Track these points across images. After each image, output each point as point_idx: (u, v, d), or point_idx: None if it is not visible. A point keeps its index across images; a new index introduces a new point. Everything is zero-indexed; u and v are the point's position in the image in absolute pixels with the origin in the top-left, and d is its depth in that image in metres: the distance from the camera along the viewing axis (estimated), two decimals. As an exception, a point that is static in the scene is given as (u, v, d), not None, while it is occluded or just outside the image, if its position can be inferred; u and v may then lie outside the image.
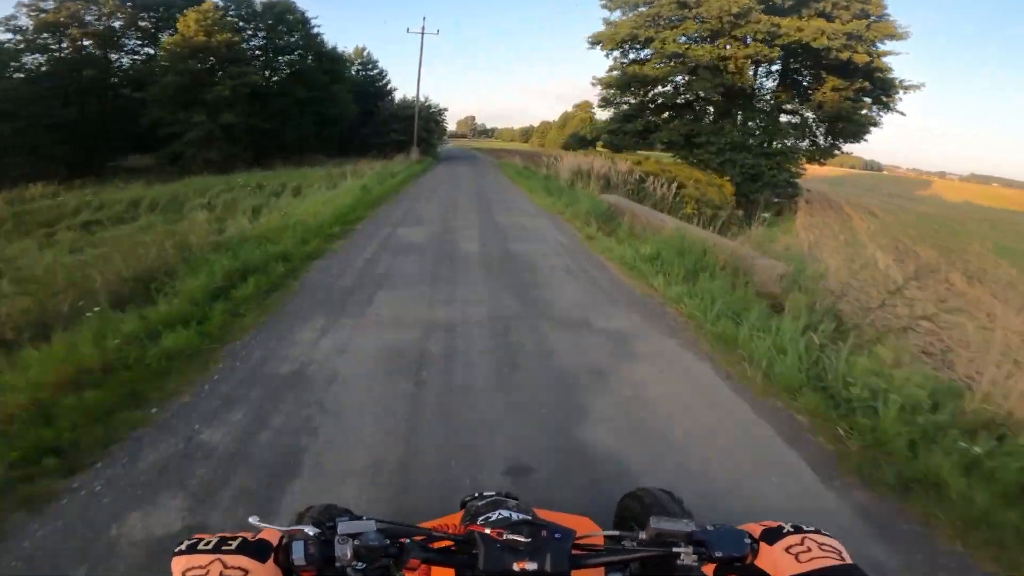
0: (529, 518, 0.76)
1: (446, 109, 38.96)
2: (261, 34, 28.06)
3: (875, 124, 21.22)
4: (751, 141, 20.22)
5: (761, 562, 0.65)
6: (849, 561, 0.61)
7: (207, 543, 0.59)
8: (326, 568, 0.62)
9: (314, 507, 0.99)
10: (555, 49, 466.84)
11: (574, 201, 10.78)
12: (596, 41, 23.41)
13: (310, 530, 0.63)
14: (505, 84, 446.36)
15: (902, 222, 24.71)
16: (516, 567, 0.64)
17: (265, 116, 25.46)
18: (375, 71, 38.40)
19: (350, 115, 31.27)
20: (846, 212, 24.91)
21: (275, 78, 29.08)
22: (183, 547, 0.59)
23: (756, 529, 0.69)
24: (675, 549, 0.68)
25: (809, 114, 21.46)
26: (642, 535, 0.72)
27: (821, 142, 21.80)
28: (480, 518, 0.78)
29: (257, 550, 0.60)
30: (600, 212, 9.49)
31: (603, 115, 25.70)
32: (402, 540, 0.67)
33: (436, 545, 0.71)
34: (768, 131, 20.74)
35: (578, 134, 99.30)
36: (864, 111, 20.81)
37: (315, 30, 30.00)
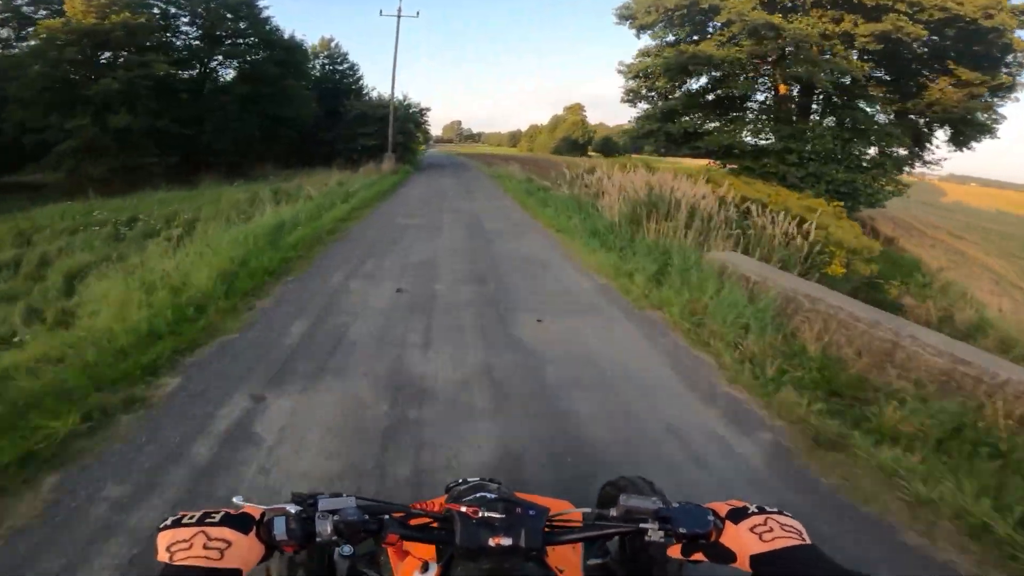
0: (503, 497, 0.77)
1: (428, 109, 33.22)
2: (199, 21, 22.11)
3: (997, 125, 15.92)
4: (854, 150, 14.75)
5: (726, 540, 0.66)
6: (809, 541, 0.63)
7: (191, 517, 0.60)
8: (307, 543, 0.63)
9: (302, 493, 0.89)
10: (543, 54, 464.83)
11: (669, 269, 5.32)
12: (626, 15, 17.81)
13: (291, 507, 0.64)
14: (492, 89, 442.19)
15: (1004, 249, 19.46)
16: (492, 542, 0.67)
17: (187, 118, 19.40)
18: (344, 65, 32.49)
19: (308, 116, 25.36)
20: (939, 238, 19.40)
21: (214, 72, 23.07)
22: (168, 522, 0.60)
23: (723, 508, 0.70)
24: (642, 525, 0.69)
25: (913, 116, 16.04)
26: (613, 512, 0.73)
27: (933, 149, 16.46)
28: (465, 500, 0.80)
29: (240, 523, 0.61)
30: (761, 320, 3.87)
31: (632, 112, 19.84)
32: (382, 517, 0.68)
33: (415, 522, 0.73)
34: (865, 136, 15.31)
35: (570, 138, 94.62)
36: (986, 112, 15.45)
37: (264, 14, 24.00)
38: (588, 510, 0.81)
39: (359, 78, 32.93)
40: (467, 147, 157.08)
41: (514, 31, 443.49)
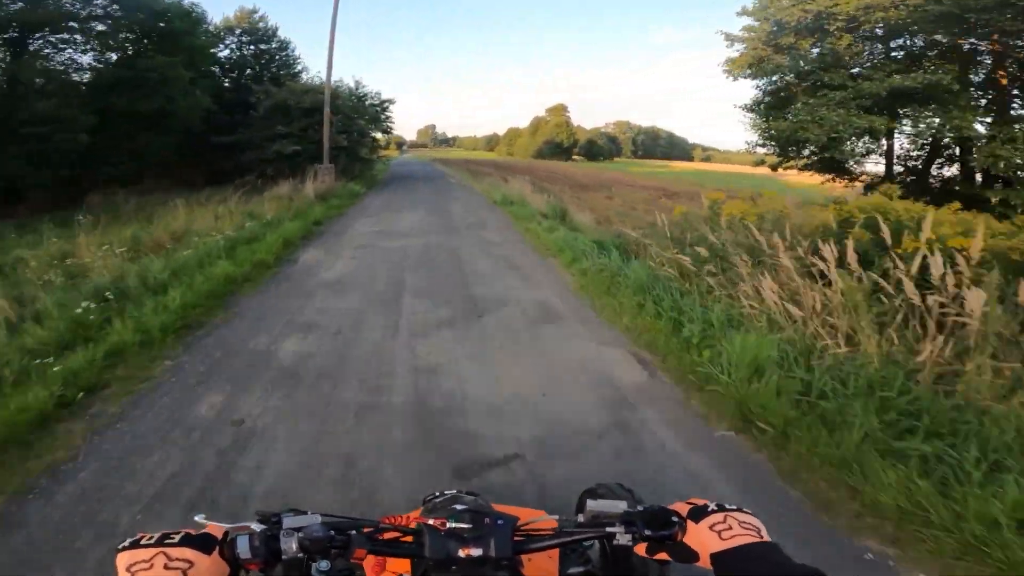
0: (472, 508, 0.76)
1: (391, 101, 24.55)
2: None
3: None
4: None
5: (689, 539, 0.67)
6: (768, 539, 0.63)
7: (150, 538, 0.59)
8: (273, 561, 0.62)
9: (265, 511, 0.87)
10: (518, 58, 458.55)
11: None
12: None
13: (256, 526, 0.63)
14: (466, 93, 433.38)
15: None
16: (462, 553, 0.66)
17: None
18: (272, 44, 23.44)
19: (194, 114, 16.40)
20: None
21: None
22: (126, 543, 0.59)
23: (684, 508, 0.70)
24: (609, 529, 0.70)
25: None
26: (581, 518, 0.74)
27: None
28: (432, 513, 0.80)
29: (201, 543, 0.60)
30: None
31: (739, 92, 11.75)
32: (349, 532, 0.66)
33: (385, 536, 0.72)
34: None
35: (553, 141, 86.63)
36: None
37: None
38: (561, 518, 0.78)
39: (293, 62, 23.95)
40: (441, 151, 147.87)
41: (486, 33, 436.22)
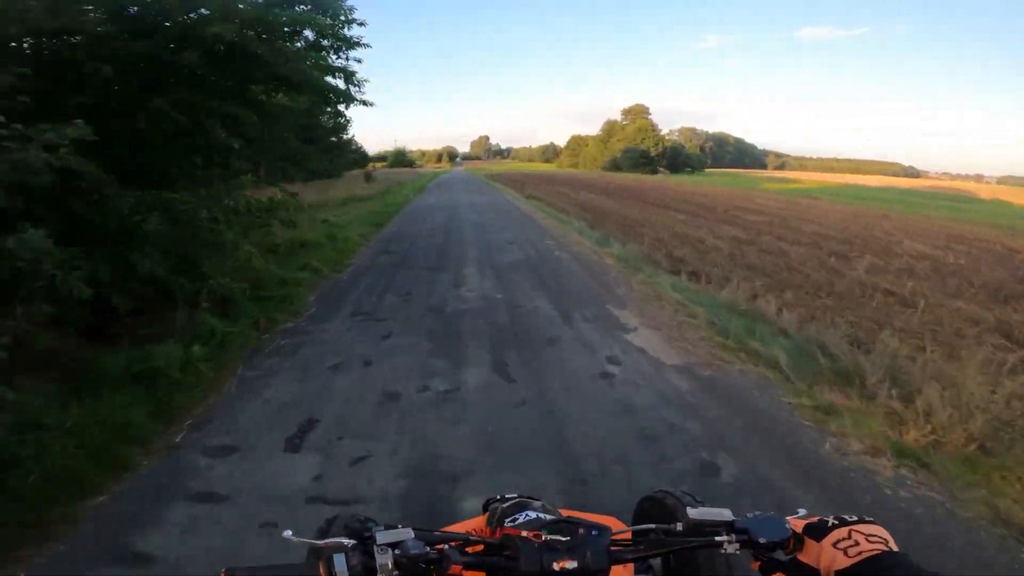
0: (564, 518, 0.76)
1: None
2: None
3: None
4: None
5: (806, 557, 0.63)
6: (895, 548, 0.59)
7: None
8: None
9: (340, 516, 0.86)
10: (568, 68, 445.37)
11: None
12: None
13: (348, 542, 0.61)
14: (516, 103, 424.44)
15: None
16: (556, 567, 0.64)
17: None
18: None
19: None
20: None
21: None
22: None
23: (798, 523, 0.67)
24: (718, 538, 0.66)
25: None
26: (678, 527, 0.71)
27: None
28: (507, 520, 0.83)
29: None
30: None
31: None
32: (442, 547, 0.65)
33: (471, 550, 0.71)
34: None
35: (636, 149, 71.68)
36: None
37: None
38: (642, 527, 0.78)
39: None
40: (496, 164, 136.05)
41: (537, 55, 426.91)
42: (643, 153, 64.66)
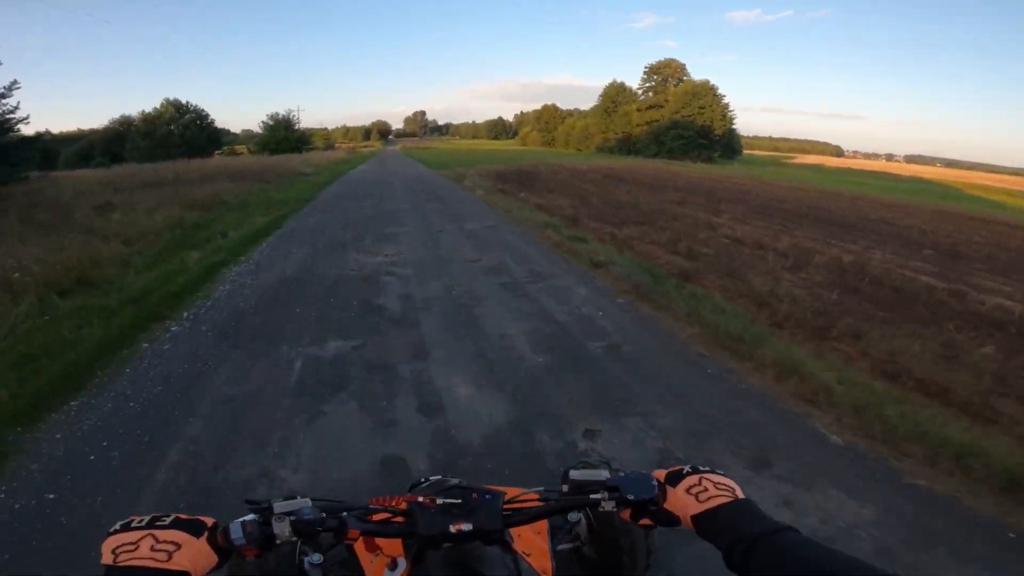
0: (459, 482, 0.80)
1: None
2: None
3: None
4: None
5: (669, 504, 0.67)
6: (741, 496, 0.64)
7: (140, 521, 0.57)
8: (267, 547, 0.61)
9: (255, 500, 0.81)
10: (498, 47, 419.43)
11: None
12: None
13: (248, 516, 0.62)
14: (448, 85, 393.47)
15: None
16: (452, 528, 0.66)
17: None
18: None
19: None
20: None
21: None
22: (117, 527, 0.57)
23: (661, 474, 0.71)
24: (593, 496, 0.70)
25: None
26: (564, 488, 0.73)
27: None
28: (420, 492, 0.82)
29: (191, 527, 0.58)
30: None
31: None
32: (340, 514, 0.66)
33: (375, 517, 0.72)
34: None
35: (693, 125, 43.07)
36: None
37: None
38: (545, 488, 0.78)
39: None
40: (434, 142, 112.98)
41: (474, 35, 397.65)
42: (704, 131, 45.14)
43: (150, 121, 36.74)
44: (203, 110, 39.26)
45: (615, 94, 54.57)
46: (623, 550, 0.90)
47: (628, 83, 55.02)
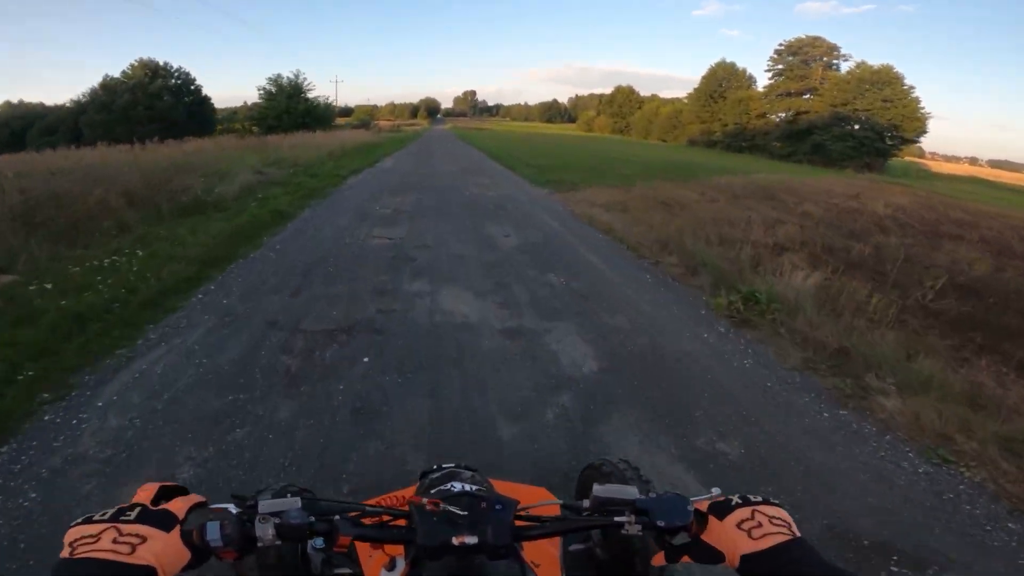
0: (470, 489, 0.74)
1: None
2: None
3: None
4: None
5: (711, 538, 0.61)
6: (798, 534, 0.59)
7: (103, 514, 0.53)
8: (248, 549, 0.56)
9: (268, 487, 0.84)
10: (551, 32, 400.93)
11: None
12: None
13: (232, 508, 0.58)
14: (502, 66, 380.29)
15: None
16: (455, 541, 0.60)
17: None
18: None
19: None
20: None
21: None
22: (79, 520, 0.53)
23: (703, 503, 0.65)
24: (617, 519, 0.64)
25: None
26: (586, 504, 0.68)
27: None
28: (434, 491, 0.76)
29: (160, 520, 0.53)
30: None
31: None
32: (331, 518, 0.61)
33: (371, 521, 0.67)
34: None
35: (872, 122, 29.70)
36: None
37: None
38: (565, 502, 0.74)
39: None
40: (488, 123, 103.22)
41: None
42: (887, 132, 33.67)
43: (110, 89, 28.86)
44: (189, 74, 31.37)
45: (724, 76, 43.46)
46: (636, 552, 0.87)
47: (738, 66, 43.65)
